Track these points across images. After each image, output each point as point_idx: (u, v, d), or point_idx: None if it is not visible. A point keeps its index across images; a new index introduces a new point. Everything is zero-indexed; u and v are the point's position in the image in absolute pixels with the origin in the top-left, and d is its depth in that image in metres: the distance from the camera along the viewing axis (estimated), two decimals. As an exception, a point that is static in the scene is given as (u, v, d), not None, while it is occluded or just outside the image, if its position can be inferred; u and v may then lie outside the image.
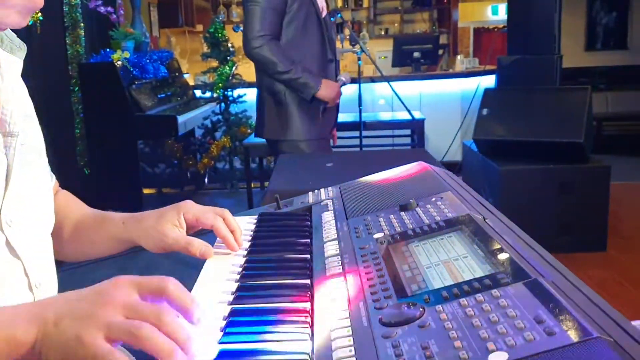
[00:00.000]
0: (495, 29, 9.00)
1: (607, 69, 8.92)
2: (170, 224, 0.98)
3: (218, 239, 1.01)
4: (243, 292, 0.81)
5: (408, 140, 5.67)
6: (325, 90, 2.74)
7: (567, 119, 4.02)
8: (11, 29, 0.85)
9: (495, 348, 0.52)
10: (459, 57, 7.04)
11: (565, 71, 8.54)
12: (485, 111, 4.34)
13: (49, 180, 0.93)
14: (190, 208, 1.00)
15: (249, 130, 5.55)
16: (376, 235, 0.90)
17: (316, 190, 1.26)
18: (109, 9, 4.31)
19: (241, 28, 4.04)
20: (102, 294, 0.63)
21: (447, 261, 0.75)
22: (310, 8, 2.71)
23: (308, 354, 0.64)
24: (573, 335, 0.51)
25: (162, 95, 4.34)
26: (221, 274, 0.89)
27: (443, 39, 8.61)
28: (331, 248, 0.91)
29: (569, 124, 3.98)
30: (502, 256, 0.70)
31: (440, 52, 8.41)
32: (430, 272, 0.73)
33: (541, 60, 4.47)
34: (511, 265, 0.67)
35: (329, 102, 2.83)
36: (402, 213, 0.97)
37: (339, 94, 2.85)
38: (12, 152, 0.80)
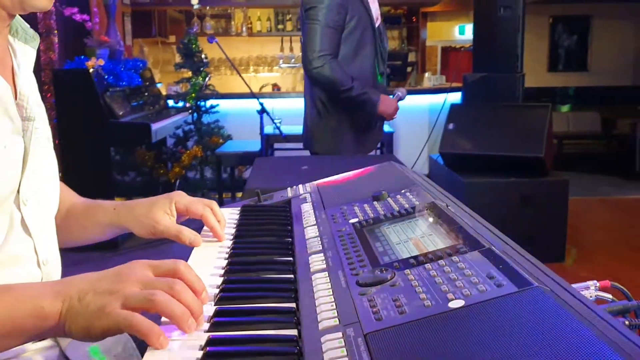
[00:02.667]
0: (462, 48, 9.24)
1: (568, 90, 9.24)
2: (162, 212, 1.05)
3: (205, 227, 1.09)
4: (234, 266, 0.91)
5: (378, 152, 5.80)
6: (384, 106, 2.80)
7: (528, 134, 4.18)
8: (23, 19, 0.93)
9: (454, 297, 0.63)
10: (426, 74, 7.23)
11: (529, 90, 8.82)
12: (451, 125, 4.49)
13: (56, 162, 1.00)
14: (181, 198, 1.08)
15: (220, 140, 5.63)
16: (352, 220, 1.00)
17: (294, 186, 1.36)
18: (85, 16, 4.36)
19: (215, 40, 4.15)
20: (120, 274, 0.72)
21: (414, 238, 0.86)
22: (366, 21, 2.75)
23: (293, 308, 0.74)
24: (517, 285, 0.62)
25: (135, 103, 4.39)
26: (209, 260, 0.97)
27: (412, 57, 8.81)
28: (311, 232, 1.01)
29: (530, 139, 4.15)
30: (461, 232, 0.81)
31: (409, 69, 8.61)
32: (399, 247, 0.83)
33: (505, 79, 4.65)
34: (468, 239, 0.78)
35: (387, 118, 2.90)
36: (375, 202, 1.07)
37: (397, 109, 2.91)
38: (28, 136, 0.88)
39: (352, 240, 0.90)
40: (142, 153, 5.29)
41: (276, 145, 5.29)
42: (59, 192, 1.11)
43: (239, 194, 6.01)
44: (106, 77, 4.00)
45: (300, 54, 8.25)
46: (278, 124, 4.69)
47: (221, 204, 5.20)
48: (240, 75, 4.17)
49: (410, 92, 6.31)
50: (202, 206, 1.08)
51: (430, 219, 0.91)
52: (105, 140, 3.96)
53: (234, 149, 5.13)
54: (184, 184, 5.75)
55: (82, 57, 4.21)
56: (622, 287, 0.77)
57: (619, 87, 9.08)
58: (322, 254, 0.88)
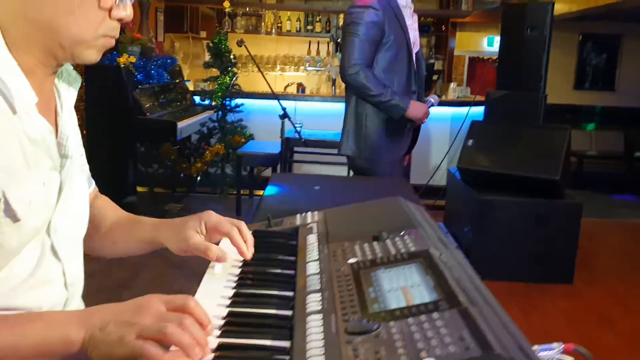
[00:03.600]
0: (490, 60, 9.25)
1: (594, 108, 9.20)
2: (192, 231, 1.14)
3: (224, 240, 1.17)
4: (239, 297, 1.00)
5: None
6: (413, 110, 3.02)
7: (546, 156, 4.23)
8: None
9: (426, 355, 0.71)
10: (452, 84, 7.26)
11: (553, 107, 8.83)
12: (470, 142, 4.55)
13: (87, 189, 1.10)
14: (210, 217, 1.16)
15: (242, 139, 5.74)
16: (350, 261, 1.08)
17: (304, 213, 1.45)
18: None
19: (244, 43, 4.25)
20: (138, 307, 0.81)
21: (404, 287, 0.94)
22: (402, 42, 2.98)
23: (287, 347, 0.83)
24: (481, 349, 0.70)
25: (163, 100, 4.51)
26: (217, 289, 1.06)
27: (438, 65, 8.85)
28: (312, 268, 1.10)
29: (547, 161, 4.20)
30: (445, 288, 0.89)
31: (435, 77, 8.66)
32: (390, 295, 0.92)
33: (527, 98, 4.69)
34: (450, 296, 0.86)
35: (417, 122, 3.11)
36: (374, 243, 1.16)
37: (427, 114, 3.13)
38: (65, 172, 0.97)
39: (348, 283, 0.98)
40: (166, 147, 5.42)
41: (296, 149, 5.39)
42: (105, 209, 1.22)
43: (258, 192, 6.14)
44: (136, 74, 4.12)
45: (326, 57, 8.34)
46: (299, 128, 4.78)
47: (239, 201, 5.33)
48: (265, 80, 4.27)
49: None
50: (229, 225, 1.15)
51: (422, 269, 0.99)
52: (132, 136, 4.10)
53: (255, 149, 5.24)
54: (204, 179, 5.89)
55: (114, 52, 4.34)
56: (585, 350, 0.85)
57: (645, 109, 9.03)
58: (319, 294, 0.97)
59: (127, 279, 3.67)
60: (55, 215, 0.95)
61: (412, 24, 3.03)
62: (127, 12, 0.93)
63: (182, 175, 5.65)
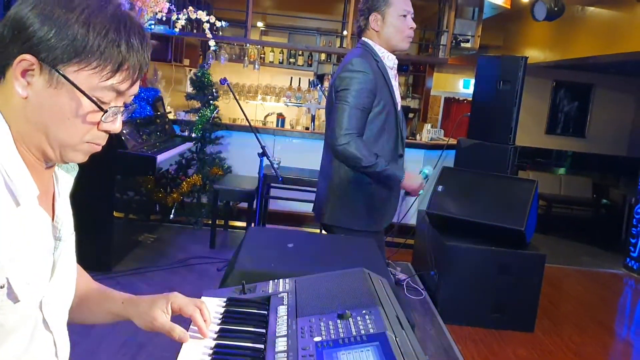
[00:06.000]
0: (465, 101, 9.51)
1: (564, 153, 9.48)
2: (159, 311, 1.25)
3: (192, 325, 1.29)
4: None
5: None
6: (408, 181, 2.85)
7: (512, 206, 4.39)
8: None
9: None
10: (427, 126, 7.46)
11: (525, 150, 9.12)
12: (440, 188, 4.70)
13: (75, 264, 1.20)
14: (176, 299, 1.28)
15: (220, 172, 5.84)
16: (316, 339, 1.20)
17: (276, 280, 1.56)
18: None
19: (227, 82, 4.37)
20: None
21: (361, 372, 1.06)
22: (391, 107, 2.84)
23: None
24: None
25: (144, 132, 4.60)
26: (197, 354, 1.17)
27: (415, 104, 9.08)
28: (281, 345, 1.21)
29: (514, 211, 4.36)
30: (396, 377, 1.01)
31: (411, 115, 8.87)
32: (347, 380, 1.03)
33: (497, 148, 4.86)
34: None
35: (412, 193, 2.94)
36: (339, 321, 1.27)
37: (422, 185, 2.92)
38: (58, 253, 1.08)
39: (311, 364, 1.10)
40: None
41: (273, 185, 5.51)
42: (78, 280, 1.31)
43: (233, 223, 6.23)
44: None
45: (307, 93, 8.45)
46: (277, 165, 4.90)
47: (214, 232, 5.41)
48: (245, 117, 4.38)
49: (407, 146, 6.59)
50: (192, 307, 1.27)
51: (378, 352, 1.11)
52: (112, 169, 4.17)
53: (232, 185, 5.34)
54: (179, 209, 5.96)
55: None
56: None
57: (613, 157, 9.34)
58: (285, 375, 1.08)
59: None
60: (48, 293, 1.05)
61: (396, 85, 2.94)
62: (115, 125, 1.04)
63: (157, 204, 5.71)
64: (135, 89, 1.03)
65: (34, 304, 1.02)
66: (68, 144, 1.01)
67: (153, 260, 4.86)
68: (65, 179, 1.14)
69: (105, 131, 1.03)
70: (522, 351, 4.05)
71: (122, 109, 1.02)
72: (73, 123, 0.99)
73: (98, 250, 4.29)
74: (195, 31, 6.70)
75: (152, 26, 5.17)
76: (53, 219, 1.08)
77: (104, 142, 1.05)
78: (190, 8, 5.43)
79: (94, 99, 0.97)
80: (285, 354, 1.17)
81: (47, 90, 0.96)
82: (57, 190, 1.11)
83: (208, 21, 5.41)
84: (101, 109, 0.99)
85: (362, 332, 1.21)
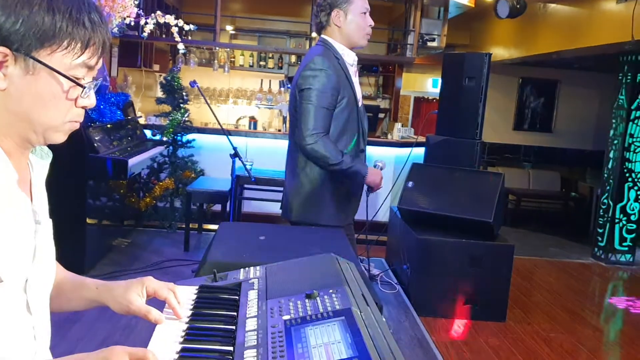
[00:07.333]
0: (434, 100, 9.64)
1: (532, 149, 9.67)
2: (135, 294, 1.30)
3: (166, 308, 1.33)
4: (185, 352, 1.15)
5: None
6: (371, 176, 2.96)
7: (480, 199, 4.50)
8: None
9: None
10: (397, 125, 7.56)
11: (493, 146, 9.27)
12: (410, 183, 4.79)
13: (54, 249, 1.23)
14: (151, 283, 1.33)
15: (193, 175, 5.85)
16: (285, 317, 1.25)
17: (247, 268, 1.61)
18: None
19: (197, 85, 4.40)
20: (104, 358, 0.96)
21: (327, 344, 1.11)
22: (353, 102, 2.91)
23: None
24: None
25: (115, 137, 4.61)
26: (167, 344, 1.22)
27: (385, 104, 9.18)
28: (251, 324, 1.26)
29: (482, 204, 4.46)
30: (359, 346, 1.07)
31: (382, 115, 8.97)
32: (314, 351, 1.09)
33: (464, 144, 4.96)
34: (363, 352, 1.04)
35: (374, 187, 3.04)
36: (307, 300, 1.33)
37: (382, 178, 3.04)
38: (38, 236, 1.12)
39: (280, 339, 1.15)
40: (115, 181, 5.48)
41: (246, 186, 5.54)
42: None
43: (207, 226, 6.24)
44: (89, 112, 4.21)
45: (277, 95, 8.50)
46: (249, 166, 4.93)
47: (188, 236, 5.43)
48: (216, 119, 4.41)
49: (379, 144, 6.69)
50: (166, 290, 1.33)
51: (344, 326, 1.17)
52: (83, 174, 4.17)
53: (205, 187, 5.37)
54: (153, 213, 5.96)
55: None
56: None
57: (580, 150, 9.54)
58: (255, 350, 1.13)
59: (75, 313, 3.73)
60: (31, 275, 1.09)
61: (357, 81, 3.01)
62: (90, 100, 1.09)
63: (129, 208, 5.71)
64: (100, 63, 1.09)
65: (17, 285, 1.05)
66: (51, 125, 1.06)
67: (127, 263, 4.87)
68: (39, 165, 1.18)
69: (83, 107, 1.08)
70: (495, 340, 4.15)
71: (93, 83, 1.08)
72: (55, 105, 1.04)
73: (72, 255, 4.23)
74: (164, 36, 6.71)
75: (117, 30, 5.17)
76: (32, 204, 1.12)
77: (82, 119, 1.11)
78: (159, 12, 5.44)
79: (72, 77, 1.03)
80: (255, 332, 1.22)
81: (25, 78, 1.00)
82: (33, 175, 1.15)
83: (176, 25, 5.43)
84: (80, 85, 1.04)
85: (329, 309, 1.26)
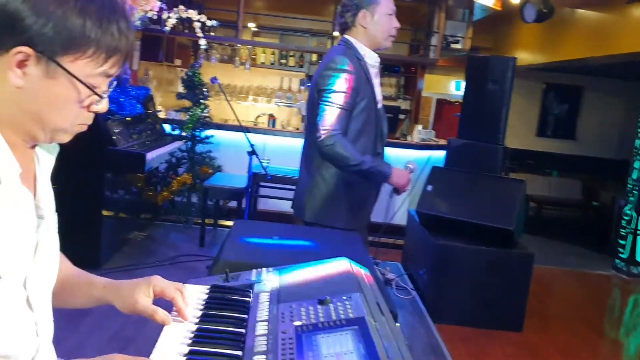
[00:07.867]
0: (457, 103, 9.55)
1: (554, 156, 9.53)
2: (142, 294, 1.26)
3: (173, 310, 1.29)
4: (192, 355, 1.11)
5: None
6: (396, 177, 2.84)
7: (501, 206, 4.41)
8: None
9: None
10: (418, 127, 7.48)
11: (515, 152, 9.15)
12: (429, 187, 4.72)
13: (58, 245, 1.20)
14: (158, 282, 1.29)
15: (210, 171, 5.84)
16: (296, 323, 1.21)
17: (259, 269, 1.57)
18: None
19: (218, 81, 4.38)
20: None
21: (339, 354, 1.06)
22: (372, 103, 2.83)
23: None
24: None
25: (134, 130, 4.60)
26: (174, 346, 1.18)
27: (406, 105, 9.11)
28: (261, 328, 1.21)
29: (503, 211, 4.38)
30: (373, 358, 1.02)
31: (403, 116, 8.90)
32: (325, 361, 1.04)
33: (487, 148, 4.87)
34: (377, 366, 0.99)
35: (400, 189, 2.93)
36: (319, 306, 1.28)
37: (409, 180, 2.92)
38: (40, 231, 1.08)
39: (290, 346, 1.11)
40: (133, 175, 5.48)
41: (262, 183, 5.51)
42: (60, 265, 1.32)
43: (222, 222, 6.22)
44: (109, 104, 4.20)
45: (297, 93, 8.46)
46: (266, 165, 4.90)
47: (203, 231, 5.41)
48: (236, 116, 4.39)
49: (398, 146, 6.62)
50: (173, 290, 1.29)
51: (357, 336, 1.12)
52: (101, 166, 4.16)
53: (222, 183, 5.35)
54: (170, 207, 5.95)
55: (88, 82, 4.41)
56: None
57: (603, 159, 9.39)
58: (264, 356, 1.09)
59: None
60: (32, 271, 1.06)
61: (378, 83, 2.92)
62: (103, 106, 1.07)
63: (147, 202, 5.71)
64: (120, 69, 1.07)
65: (17, 281, 1.02)
66: (61, 127, 1.04)
67: (142, 257, 4.86)
68: (46, 159, 1.15)
69: (95, 112, 1.06)
70: (510, 349, 4.07)
71: (109, 91, 1.06)
72: (68, 108, 1.02)
73: (87, 247, 4.28)
74: (186, 31, 6.70)
75: (140, 23, 5.16)
76: (35, 198, 1.08)
77: (91, 122, 1.08)
78: (181, 7, 5.43)
79: (90, 85, 1.00)
80: (265, 337, 1.17)
81: (44, 81, 0.98)
82: (38, 169, 1.12)
83: (199, 20, 5.41)
84: (98, 95, 1.02)
85: (342, 316, 1.22)
